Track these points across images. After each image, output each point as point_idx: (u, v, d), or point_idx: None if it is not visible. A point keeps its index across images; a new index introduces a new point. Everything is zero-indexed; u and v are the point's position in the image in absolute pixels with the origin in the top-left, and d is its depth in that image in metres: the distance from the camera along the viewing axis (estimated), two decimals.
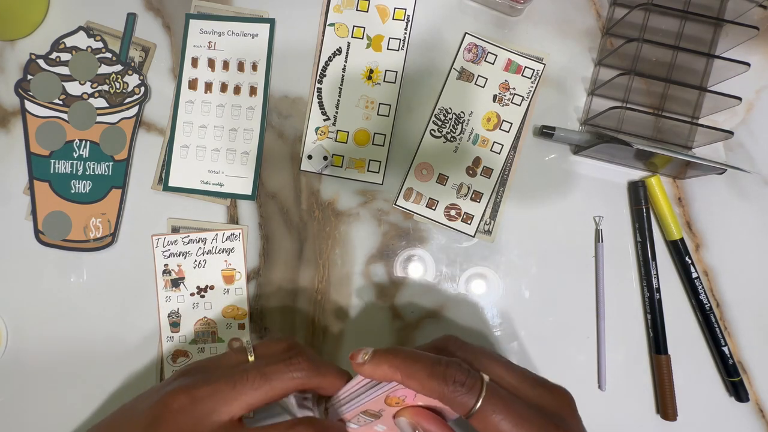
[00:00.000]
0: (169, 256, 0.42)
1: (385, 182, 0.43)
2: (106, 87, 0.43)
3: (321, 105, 0.43)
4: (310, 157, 0.43)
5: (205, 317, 0.42)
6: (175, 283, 0.42)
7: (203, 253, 0.42)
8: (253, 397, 0.30)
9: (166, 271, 0.42)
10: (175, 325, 0.42)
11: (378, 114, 0.43)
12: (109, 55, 0.43)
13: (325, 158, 0.43)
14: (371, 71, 0.43)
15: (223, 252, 0.42)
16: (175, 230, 0.43)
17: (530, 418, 0.26)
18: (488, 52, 0.42)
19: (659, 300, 0.41)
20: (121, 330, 0.43)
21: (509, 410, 0.26)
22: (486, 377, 0.28)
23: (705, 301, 0.41)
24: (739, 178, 0.42)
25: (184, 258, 0.42)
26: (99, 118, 0.43)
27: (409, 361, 0.28)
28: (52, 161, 0.43)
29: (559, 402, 0.29)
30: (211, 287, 0.42)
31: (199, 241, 0.42)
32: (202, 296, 0.42)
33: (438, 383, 0.27)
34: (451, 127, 0.43)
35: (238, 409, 0.30)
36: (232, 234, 0.42)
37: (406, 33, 0.43)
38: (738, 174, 0.42)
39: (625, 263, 0.42)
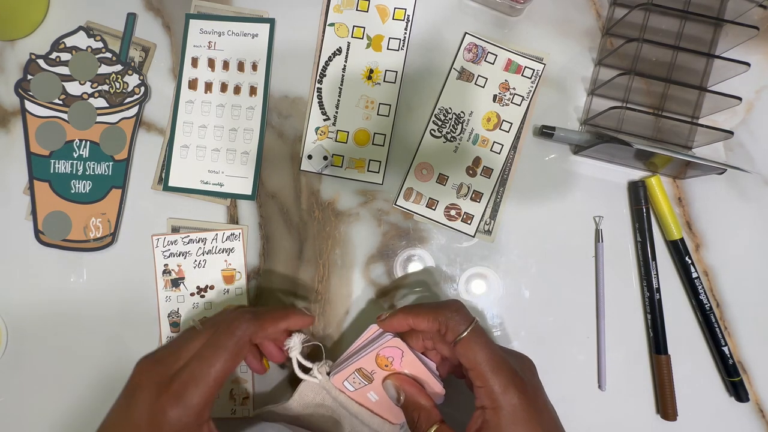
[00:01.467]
0: (169, 256, 0.42)
1: (385, 182, 0.43)
2: (106, 87, 0.43)
3: (321, 105, 0.43)
4: (310, 157, 0.43)
5: (205, 317, 0.42)
6: (175, 283, 0.42)
7: (203, 253, 0.42)
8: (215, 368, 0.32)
9: (166, 271, 0.42)
10: (175, 325, 0.42)
11: (378, 114, 0.43)
12: (109, 55, 0.43)
13: (325, 158, 0.43)
14: (371, 71, 0.43)
15: (223, 252, 0.42)
16: (175, 230, 0.43)
17: (503, 360, 0.31)
18: (488, 52, 0.42)
19: (659, 300, 0.41)
20: (121, 330, 0.43)
21: (488, 346, 0.31)
22: (476, 318, 0.33)
23: (705, 301, 0.41)
24: (739, 178, 0.42)
25: (184, 258, 0.42)
26: (99, 118, 0.43)
27: (417, 308, 0.34)
28: (52, 161, 0.43)
29: (524, 363, 0.34)
30: (211, 287, 0.42)
31: (199, 241, 0.42)
32: (202, 296, 0.42)
33: (439, 313, 0.33)
34: (451, 127, 0.43)
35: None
36: (232, 234, 0.42)
37: (406, 33, 0.43)
38: (738, 174, 0.42)
39: (625, 263, 0.42)
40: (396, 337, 0.34)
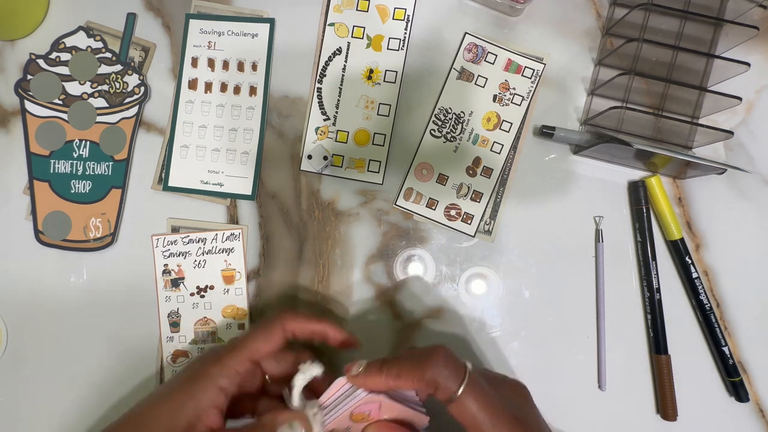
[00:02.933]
0: (169, 256, 0.42)
1: (385, 182, 0.43)
2: (106, 87, 0.43)
3: (321, 105, 0.43)
4: (310, 157, 0.43)
5: (204, 317, 0.42)
6: (175, 283, 0.42)
7: (203, 253, 0.42)
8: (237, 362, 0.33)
9: (166, 271, 0.42)
10: (175, 325, 0.42)
11: (378, 114, 0.43)
12: (109, 55, 0.43)
13: (325, 158, 0.43)
14: (371, 71, 0.43)
15: (222, 252, 0.42)
16: (175, 230, 0.43)
17: (503, 410, 0.28)
18: (488, 52, 0.42)
19: (659, 300, 0.41)
20: (120, 330, 0.43)
21: (486, 401, 0.28)
22: (469, 364, 0.30)
23: (705, 301, 0.41)
24: (739, 178, 0.42)
25: (184, 258, 0.42)
26: (99, 118, 0.43)
27: (397, 364, 0.30)
28: (52, 161, 0.43)
29: (518, 394, 0.32)
30: (211, 287, 0.42)
31: (199, 241, 0.42)
32: (202, 296, 0.42)
33: (425, 370, 0.29)
34: (451, 127, 0.43)
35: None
36: (232, 234, 0.42)
37: (406, 33, 0.43)
38: (738, 174, 0.42)
39: (625, 263, 0.42)
40: (371, 393, 0.30)
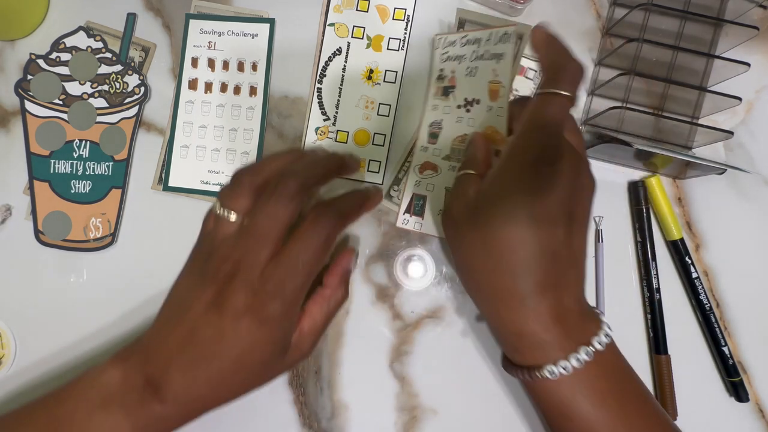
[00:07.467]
0: None
1: (385, 182, 0.43)
2: (106, 87, 0.43)
3: (321, 105, 0.43)
4: None
5: None
6: None
7: None
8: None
9: None
10: None
11: (378, 114, 0.43)
12: (109, 55, 0.43)
13: None
14: (371, 71, 0.43)
15: None
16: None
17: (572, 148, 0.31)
18: None
19: (659, 300, 0.41)
20: (120, 330, 0.43)
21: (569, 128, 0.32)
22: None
23: (705, 301, 0.41)
24: (739, 178, 0.42)
25: None
26: (99, 118, 0.43)
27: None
28: (52, 161, 0.43)
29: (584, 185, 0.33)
30: None
31: None
32: None
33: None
34: None
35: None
36: None
37: (406, 33, 0.43)
38: (738, 174, 0.42)
39: (625, 263, 0.42)
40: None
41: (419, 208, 0.39)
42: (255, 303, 0.29)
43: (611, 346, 0.31)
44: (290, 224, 0.31)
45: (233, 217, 0.31)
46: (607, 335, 0.30)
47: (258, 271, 0.30)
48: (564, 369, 0.29)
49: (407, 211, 0.39)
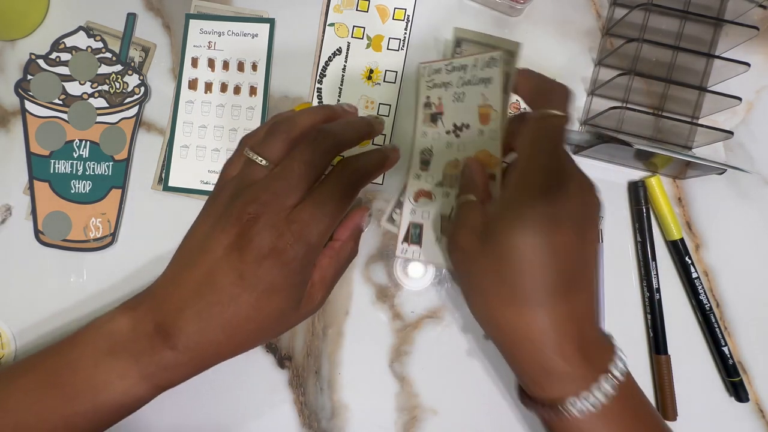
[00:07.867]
0: None
1: (385, 182, 0.43)
2: (106, 87, 0.43)
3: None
4: None
5: None
6: None
7: None
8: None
9: None
10: None
11: (378, 114, 0.43)
12: (109, 55, 0.43)
13: None
14: (371, 71, 0.43)
15: None
16: None
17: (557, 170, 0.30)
18: None
19: (659, 300, 0.41)
20: None
21: (553, 149, 0.30)
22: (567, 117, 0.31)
23: (705, 301, 0.41)
24: (739, 178, 0.42)
25: None
26: (99, 118, 0.43)
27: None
28: (52, 161, 0.43)
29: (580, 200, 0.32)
30: None
31: None
32: None
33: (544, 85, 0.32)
34: None
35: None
36: None
37: (406, 33, 0.43)
38: (738, 174, 0.42)
39: (625, 263, 0.42)
40: None
41: (416, 237, 0.39)
42: (279, 244, 0.29)
43: (629, 376, 0.30)
44: (319, 178, 0.32)
45: (264, 162, 0.32)
46: (621, 359, 0.29)
47: (285, 213, 0.30)
48: (593, 406, 0.27)
49: (405, 240, 0.39)
